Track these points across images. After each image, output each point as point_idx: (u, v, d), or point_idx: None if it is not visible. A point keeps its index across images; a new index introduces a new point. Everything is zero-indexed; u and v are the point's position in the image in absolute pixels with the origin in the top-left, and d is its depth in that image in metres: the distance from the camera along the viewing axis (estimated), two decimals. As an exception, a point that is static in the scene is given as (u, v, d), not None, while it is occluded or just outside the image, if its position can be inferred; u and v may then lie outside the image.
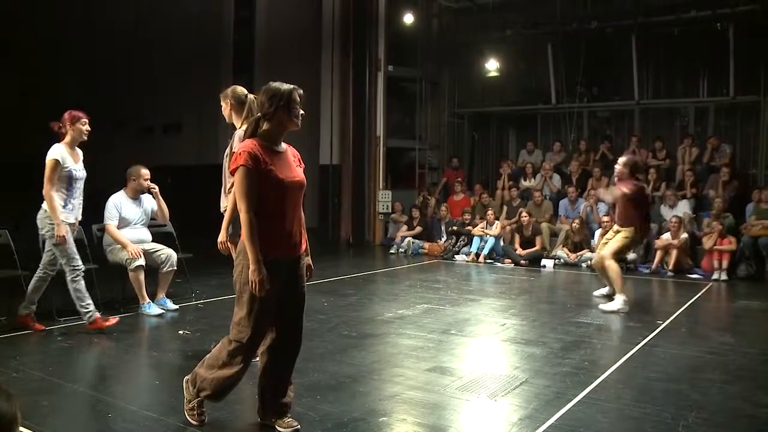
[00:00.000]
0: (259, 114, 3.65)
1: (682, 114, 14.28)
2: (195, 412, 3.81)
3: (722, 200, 10.99)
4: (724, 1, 12.59)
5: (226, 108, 5.16)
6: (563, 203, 12.58)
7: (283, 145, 3.74)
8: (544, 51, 14.56)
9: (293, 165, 3.71)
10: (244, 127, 4.05)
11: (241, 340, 3.62)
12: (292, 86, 3.64)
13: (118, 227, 6.93)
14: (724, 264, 9.96)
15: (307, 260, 3.86)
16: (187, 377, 3.89)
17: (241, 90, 5.14)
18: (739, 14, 12.47)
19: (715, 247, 10.04)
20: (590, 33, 13.88)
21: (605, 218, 11.05)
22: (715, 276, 9.91)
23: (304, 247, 3.79)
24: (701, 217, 11.24)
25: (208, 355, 3.81)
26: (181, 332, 6.17)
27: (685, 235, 10.43)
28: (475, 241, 11.98)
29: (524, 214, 11.92)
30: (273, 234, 3.57)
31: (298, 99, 3.64)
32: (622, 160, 7.95)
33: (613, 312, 7.36)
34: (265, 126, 3.64)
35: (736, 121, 13.59)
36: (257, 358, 3.91)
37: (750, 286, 9.54)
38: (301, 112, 3.68)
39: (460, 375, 4.91)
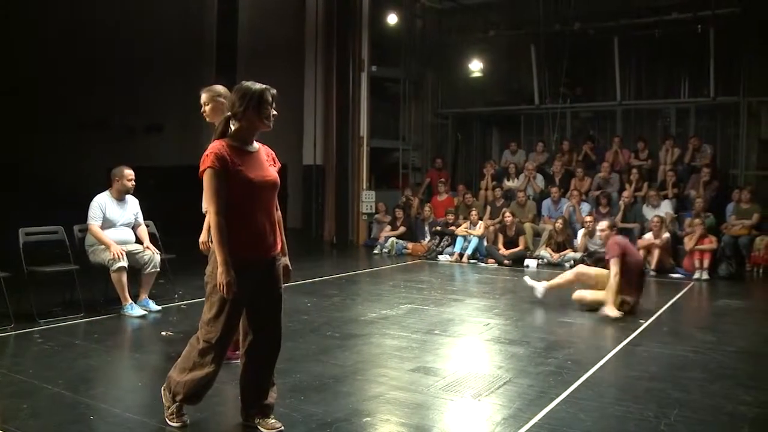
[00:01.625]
0: (229, 113, 3.62)
1: (663, 115, 14.39)
2: (174, 417, 3.78)
3: (703, 200, 11.09)
4: (704, 4, 12.71)
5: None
6: (546, 203, 12.64)
7: (256, 145, 3.71)
8: (527, 52, 14.60)
9: (265, 164, 3.68)
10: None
11: (210, 340, 3.60)
12: (264, 86, 3.60)
13: (102, 228, 6.86)
14: (705, 263, 10.04)
15: (284, 260, 3.84)
16: (163, 386, 3.87)
17: (206, 90, 5.06)
18: (719, 17, 12.59)
19: (696, 246, 10.12)
20: (573, 34, 13.94)
21: (588, 218, 11.14)
22: (697, 275, 10.00)
23: (279, 247, 3.77)
24: (683, 217, 11.34)
25: (179, 359, 3.80)
26: (163, 333, 6.13)
27: (666, 235, 10.51)
28: (459, 241, 12.00)
29: (507, 214, 11.96)
30: (245, 235, 3.55)
31: (270, 99, 3.60)
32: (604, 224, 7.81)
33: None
34: (234, 126, 3.61)
35: (716, 121, 13.72)
36: (238, 360, 3.90)
37: (731, 285, 9.63)
38: (274, 112, 3.64)
39: (443, 375, 4.92)
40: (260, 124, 3.62)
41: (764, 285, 9.95)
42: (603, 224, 7.91)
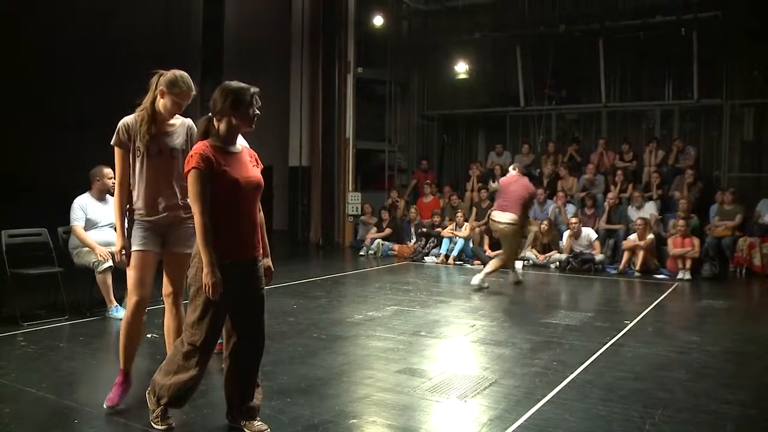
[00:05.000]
0: (210, 114, 3.61)
1: (648, 116, 14.49)
2: (159, 420, 3.76)
3: (687, 201, 11.18)
4: (688, 7, 12.82)
5: None
6: (532, 205, 12.67)
7: (239, 146, 3.71)
8: (512, 53, 14.66)
9: (249, 165, 3.68)
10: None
11: (195, 343, 3.58)
12: (246, 86, 3.59)
13: (85, 229, 6.81)
14: (688, 264, 10.13)
15: (267, 262, 3.83)
16: (148, 389, 3.85)
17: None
18: (701, 20, 12.70)
19: (676, 250, 10.20)
20: (558, 36, 14.01)
21: (573, 220, 11.20)
22: (680, 275, 10.07)
23: (261, 248, 3.76)
24: (667, 218, 11.43)
25: (164, 362, 3.78)
26: (149, 336, 6.08)
27: (651, 236, 10.58)
28: (445, 242, 12.02)
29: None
30: (228, 236, 3.54)
31: (249, 99, 3.57)
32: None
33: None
34: (218, 126, 3.61)
35: (700, 124, 13.84)
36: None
37: (713, 286, 9.71)
38: (257, 112, 3.61)
39: (430, 376, 4.93)
40: (241, 124, 3.60)
41: (747, 285, 10.05)
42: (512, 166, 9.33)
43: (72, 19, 17.14)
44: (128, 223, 4.23)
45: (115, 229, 4.29)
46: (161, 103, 4.12)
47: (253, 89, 3.61)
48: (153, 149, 4.13)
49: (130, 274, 4.21)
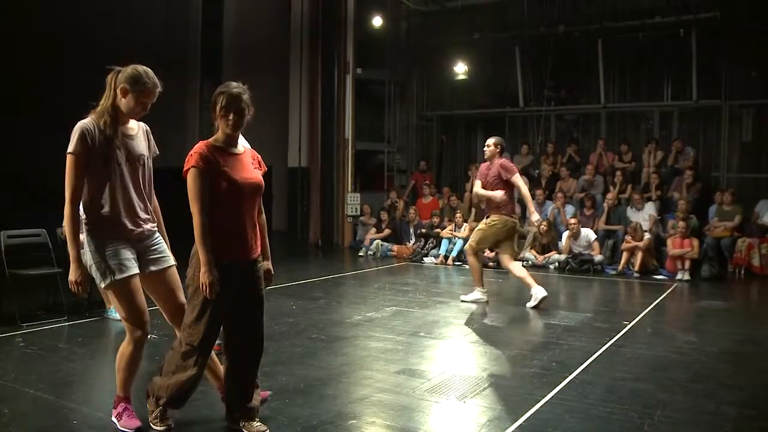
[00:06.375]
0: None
1: (647, 117, 14.50)
2: (158, 420, 3.76)
3: (686, 202, 11.18)
4: (687, 8, 12.82)
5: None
6: (531, 205, 12.66)
7: (241, 147, 3.72)
8: (511, 54, 14.65)
9: (250, 167, 3.68)
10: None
11: (193, 343, 3.59)
12: (228, 89, 3.55)
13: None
14: (687, 265, 10.13)
15: (266, 264, 3.83)
16: (147, 389, 3.86)
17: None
18: (700, 21, 12.71)
19: (676, 251, 10.20)
20: (557, 37, 14.01)
21: (572, 220, 11.20)
22: (679, 276, 10.07)
23: (260, 250, 3.75)
24: (666, 219, 11.43)
25: (163, 362, 3.79)
26: (148, 336, 6.08)
27: (648, 236, 10.57)
28: (444, 243, 12.02)
29: (493, 216, 11.98)
30: (226, 236, 3.56)
31: (226, 102, 3.53)
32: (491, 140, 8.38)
33: (471, 301, 8.05)
34: (217, 127, 3.63)
35: (699, 124, 13.84)
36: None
37: (712, 287, 9.71)
38: (233, 116, 3.53)
39: (429, 377, 4.93)
40: (224, 126, 3.58)
41: (746, 286, 10.05)
42: (490, 141, 8.44)
43: (72, 20, 17.11)
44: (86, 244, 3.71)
45: (71, 255, 3.67)
46: (123, 103, 3.70)
47: (234, 90, 3.56)
48: (121, 156, 3.69)
49: (128, 305, 3.72)
